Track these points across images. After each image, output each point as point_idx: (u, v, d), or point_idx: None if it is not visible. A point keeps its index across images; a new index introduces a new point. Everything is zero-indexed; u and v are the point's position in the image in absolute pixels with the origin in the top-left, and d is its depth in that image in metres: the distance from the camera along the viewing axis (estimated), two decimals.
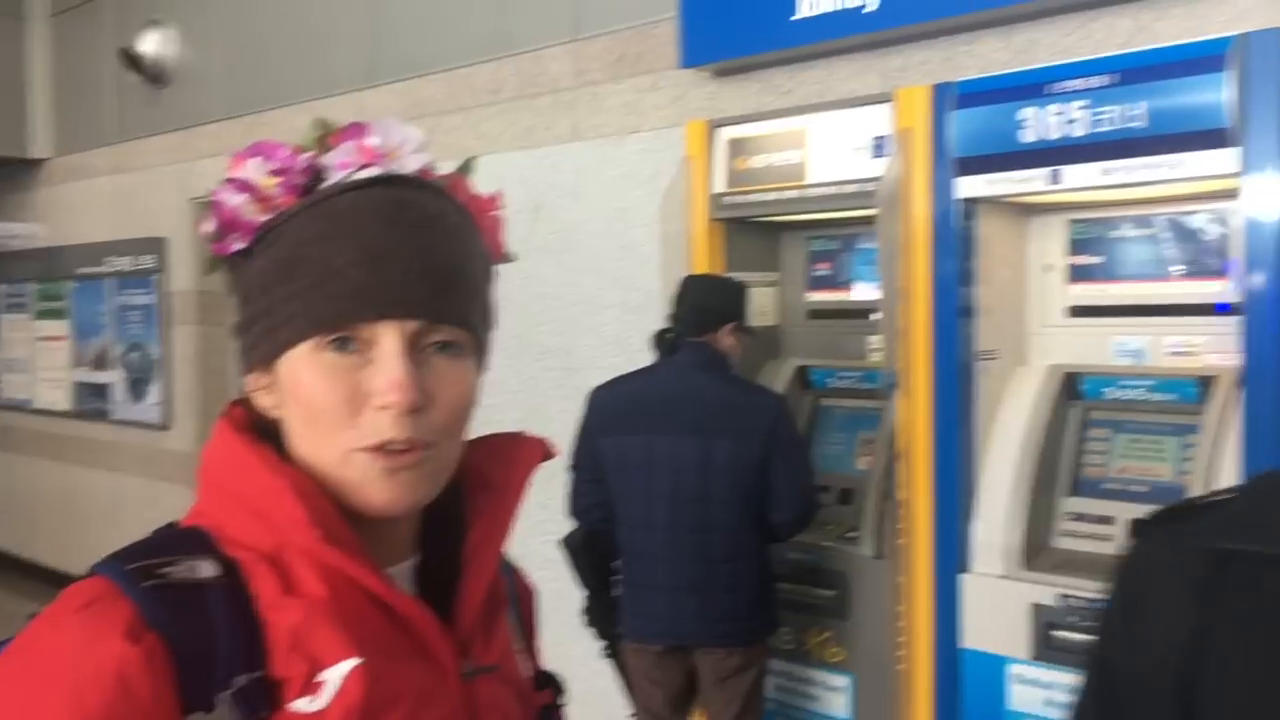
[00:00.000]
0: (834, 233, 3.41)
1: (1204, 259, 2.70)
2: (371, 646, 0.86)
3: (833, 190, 3.07)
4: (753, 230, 3.42)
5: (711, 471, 2.94)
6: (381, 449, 0.88)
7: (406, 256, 0.88)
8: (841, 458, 3.34)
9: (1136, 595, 0.89)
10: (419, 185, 0.93)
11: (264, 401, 0.93)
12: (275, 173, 0.91)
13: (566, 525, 3.16)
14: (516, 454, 1.01)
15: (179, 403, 6.42)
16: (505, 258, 1.01)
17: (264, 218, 0.91)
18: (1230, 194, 2.43)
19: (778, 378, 3.43)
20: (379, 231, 0.89)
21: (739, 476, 2.93)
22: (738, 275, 3.30)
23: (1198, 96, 2.37)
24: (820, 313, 3.48)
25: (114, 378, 6.89)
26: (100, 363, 7.02)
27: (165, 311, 6.47)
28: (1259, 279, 2.33)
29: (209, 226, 0.93)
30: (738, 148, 3.28)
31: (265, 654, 0.83)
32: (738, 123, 3.33)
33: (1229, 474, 2.44)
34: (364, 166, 0.92)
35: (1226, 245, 2.64)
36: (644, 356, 3.20)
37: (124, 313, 6.81)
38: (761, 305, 3.47)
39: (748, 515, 2.95)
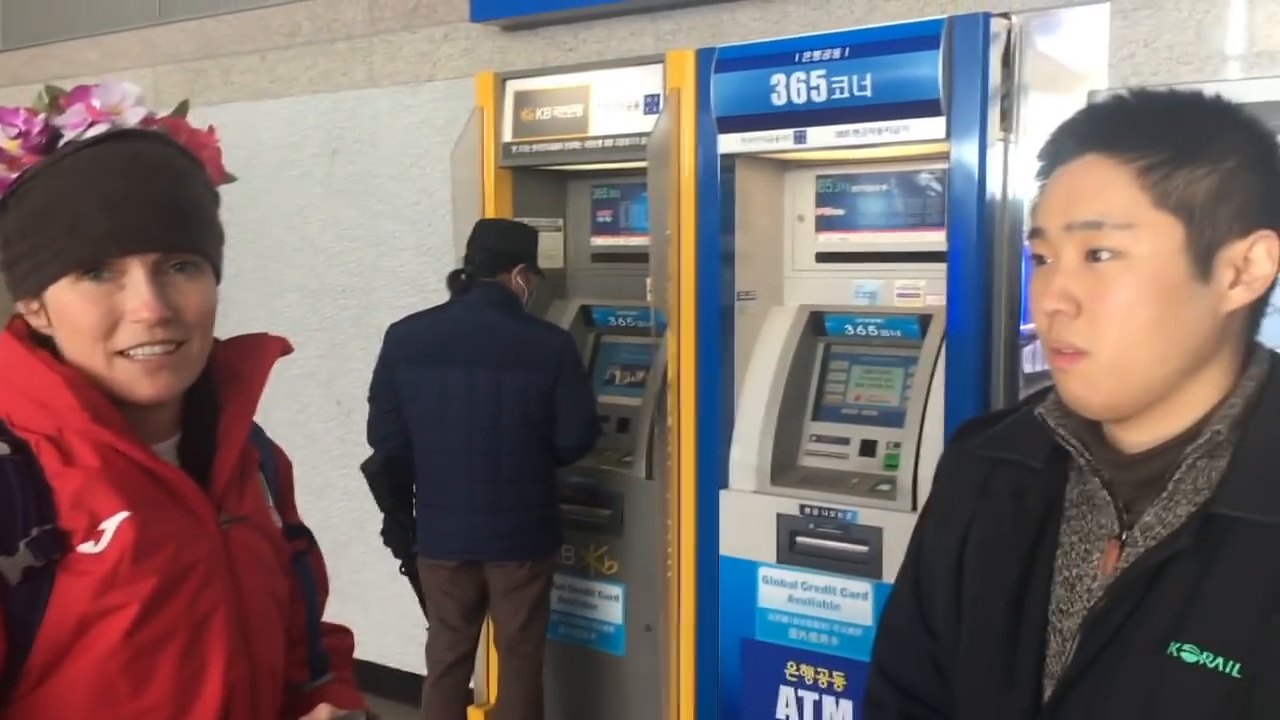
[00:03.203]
0: (615, 182, 3.68)
1: (927, 213, 3.10)
2: (140, 503, 1.10)
3: (611, 143, 3.33)
4: (539, 178, 3.65)
5: (502, 400, 3.18)
6: (138, 354, 1.11)
7: (141, 200, 1.11)
8: (619, 390, 3.65)
9: (941, 491, 1.26)
10: (143, 136, 1.15)
11: (36, 322, 1.15)
12: (16, 137, 1.11)
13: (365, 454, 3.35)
14: (259, 349, 1.27)
15: None
16: (226, 179, 1.24)
17: (12, 175, 1.12)
18: (944, 157, 2.82)
19: (563, 316, 3.70)
20: (116, 182, 1.10)
21: (528, 405, 3.18)
22: (526, 220, 3.54)
23: (914, 71, 2.73)
24: (602, 256, 3.75)
25: None
26: None
27: None
28: (961, 232, 2.73)
29: None
30: (524, 100, 3.49)
31: (55, 511, 1.07)
32: (525, 76, 3.54)
33: (938, 399, 2.86)
34: (92, 124, 1.13)
35: (944, 201, 3.04)
36: (439, 297, 3.40)
37: None
38: (549, 249, 3.72)
39: (535, 441, 3.22)
